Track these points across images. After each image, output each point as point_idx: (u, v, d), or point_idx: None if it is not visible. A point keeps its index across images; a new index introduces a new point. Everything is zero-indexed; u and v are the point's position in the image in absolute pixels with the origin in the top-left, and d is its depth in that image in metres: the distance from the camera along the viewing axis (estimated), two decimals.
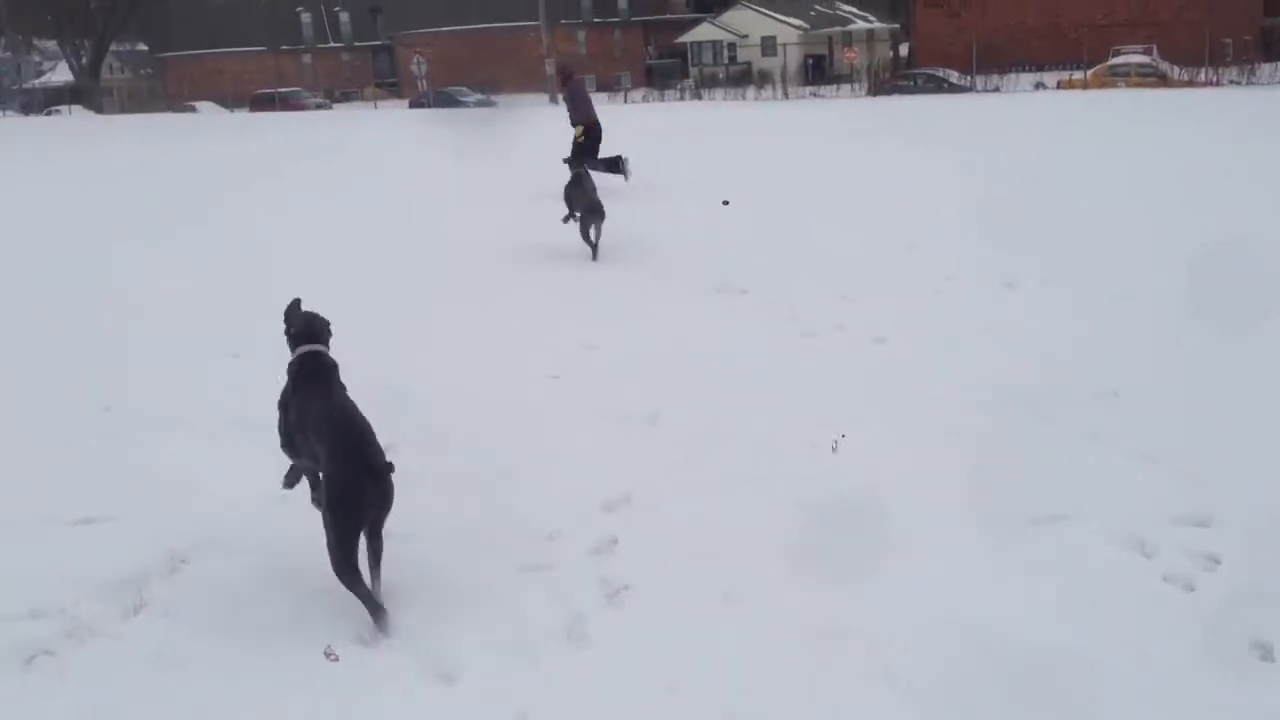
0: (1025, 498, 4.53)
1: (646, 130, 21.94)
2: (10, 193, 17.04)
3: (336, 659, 3.62)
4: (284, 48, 73.80)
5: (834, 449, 5.25)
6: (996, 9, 49.77)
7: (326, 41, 77.24)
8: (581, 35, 68.46)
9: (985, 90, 39.72)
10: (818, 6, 69.35)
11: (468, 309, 8.27)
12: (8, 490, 5.01)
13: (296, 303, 4.24)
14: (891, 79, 44.97)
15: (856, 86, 44.89)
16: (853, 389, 6.15)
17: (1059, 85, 37.42)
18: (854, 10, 70.53)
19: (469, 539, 4.38)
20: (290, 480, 4.20)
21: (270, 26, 74.12)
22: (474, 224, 12.08)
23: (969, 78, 41.68)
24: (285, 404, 4.05)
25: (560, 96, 16.15)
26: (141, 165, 21.07)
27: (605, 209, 9.92)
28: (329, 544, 3.72)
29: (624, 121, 20.67)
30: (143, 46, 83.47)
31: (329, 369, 4.07)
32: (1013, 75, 40.85)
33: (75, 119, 50.79)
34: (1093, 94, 32.25)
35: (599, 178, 11.27)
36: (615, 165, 14.41)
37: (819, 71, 56.62)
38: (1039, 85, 39.19)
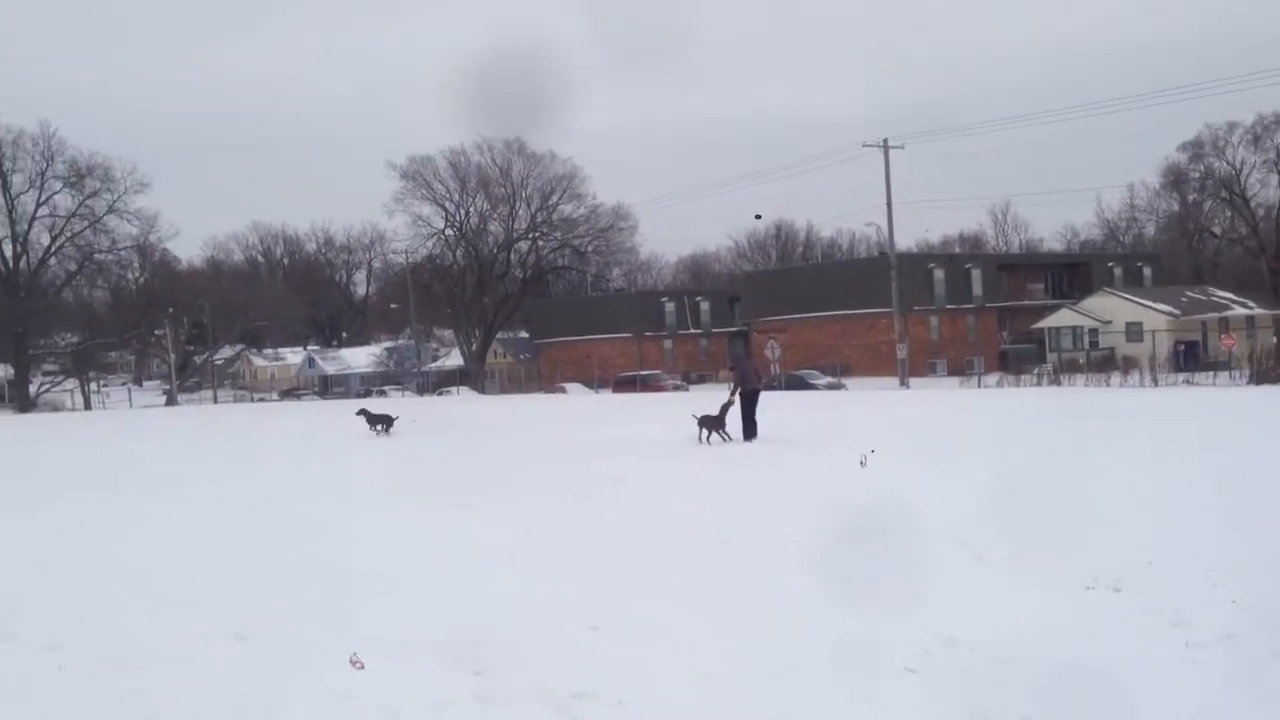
0: None
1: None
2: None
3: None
4: (647, 334, 79.14)
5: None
6: None
7: (687, 328, 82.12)
8: (934, 320, 68.83)
9: None
10: (1189, 293, 66.38)
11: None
12: None
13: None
14: (1277, 366, 41.64)
15: (1236, 374, 41.91)
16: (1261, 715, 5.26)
17: None
18: (1230, 296, 66.87)
19: None
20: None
21: (637, 315, 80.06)
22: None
23: None
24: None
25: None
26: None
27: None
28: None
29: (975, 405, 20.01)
30: (524, 334, 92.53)
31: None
32: None
33: (464, 397, 55.86)
34: None
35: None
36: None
37: (1192, 358, 53.48)
38: None
